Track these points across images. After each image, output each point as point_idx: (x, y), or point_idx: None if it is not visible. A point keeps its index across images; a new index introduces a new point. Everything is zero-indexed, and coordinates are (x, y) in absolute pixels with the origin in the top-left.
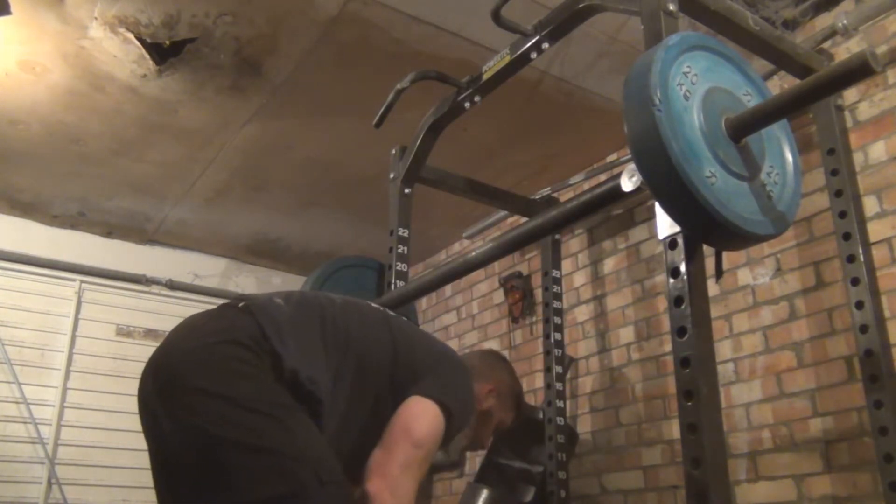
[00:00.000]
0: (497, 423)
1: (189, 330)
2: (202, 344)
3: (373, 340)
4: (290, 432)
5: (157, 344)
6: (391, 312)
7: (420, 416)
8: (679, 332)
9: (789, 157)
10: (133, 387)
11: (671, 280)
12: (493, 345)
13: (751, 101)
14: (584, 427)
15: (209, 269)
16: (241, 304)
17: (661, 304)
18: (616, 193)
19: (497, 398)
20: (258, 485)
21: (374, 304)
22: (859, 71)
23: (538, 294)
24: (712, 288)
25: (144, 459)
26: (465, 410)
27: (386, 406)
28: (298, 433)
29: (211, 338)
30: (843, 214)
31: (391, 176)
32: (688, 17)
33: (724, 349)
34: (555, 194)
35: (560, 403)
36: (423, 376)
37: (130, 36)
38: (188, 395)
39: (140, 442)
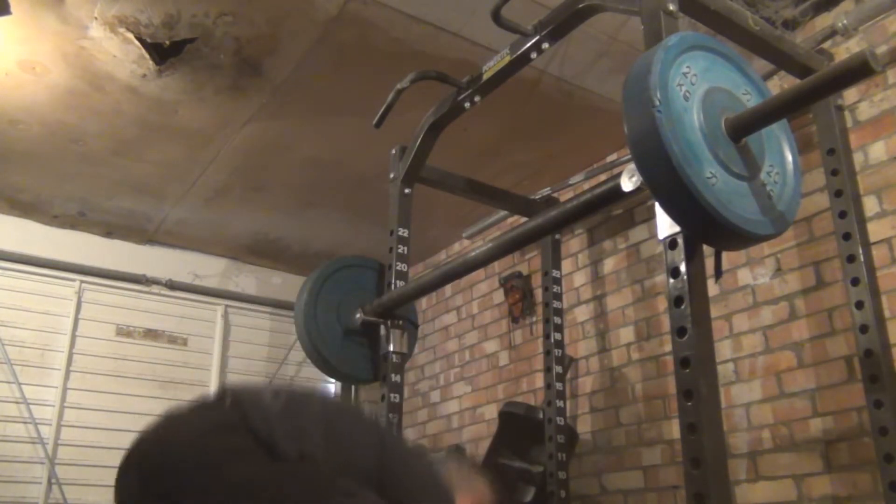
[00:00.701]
0: None
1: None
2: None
3: (358, 456)
4: None
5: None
6: (387, 429)
7: None
8: (679, 332)
9: (789, 157)
10: (133, 387)
11: (671, 280)
12: (493, 345)
13: (750, 101)
14: (584, 427)
15: (209, 269)
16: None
17: (661, 304)
18: (616, 193)
19: None
20: None
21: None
22: (859, 71)
23: (538, 294)
24: (712, 288)
25: None
26: None
27: None
28: None
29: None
30: (843, 214)
31: (391, 176)
32: (688, 17)
33: (724, 349)
34: (555, 194)
35: (560, 403)
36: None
37: (130, 36)
38: None
39: None
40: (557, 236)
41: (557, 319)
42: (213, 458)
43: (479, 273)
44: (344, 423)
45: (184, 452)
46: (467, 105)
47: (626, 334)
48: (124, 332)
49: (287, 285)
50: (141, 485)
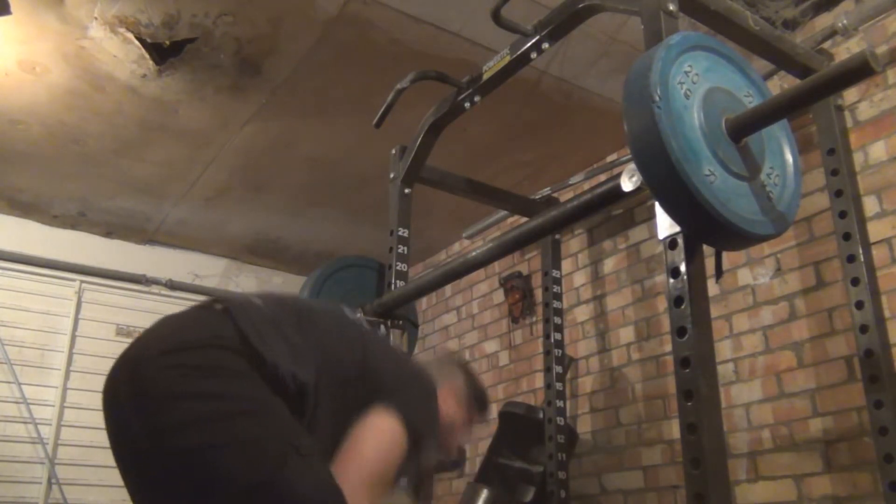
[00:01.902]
0: (459, 427)
1: (167, 330)
2: (181, 347)
3: (344, 349)
4: (266, 418)
5: None
6: (368, 328)
7: (378, 432)
8: (679, 332)
9: (789, 157)
10: None
11: (671, 280)
12: (493, 345)
13: (751, 101)
14: (584, 427)
15: (209, 269)
16: (218, 306)
17: (661, 304)
18: (616, 193)
19: (454, 401)
20: (241, 473)
21: (351, 316)
22: (859, 71)
23: (538, 294)
24: (712, 288)
25: None
26: (429, 432)
27: (347, 418)
28: (275, 417)
29: (190, 342)
30: (843, 214)
31: (391, 176)
32: (688, 17)
33: (724, 349)
34: (555, 194)
35: (560, 403)
36: (389, 392)
37: (130, 36)
38: (170, 401)
39: None
40: (557, 236)
41: (557, 319)
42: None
43: (479, 273)
44: (329, 323)
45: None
46: (467, 105)
47: (626, 334)
48: (124, 332)
49: (287, 285)
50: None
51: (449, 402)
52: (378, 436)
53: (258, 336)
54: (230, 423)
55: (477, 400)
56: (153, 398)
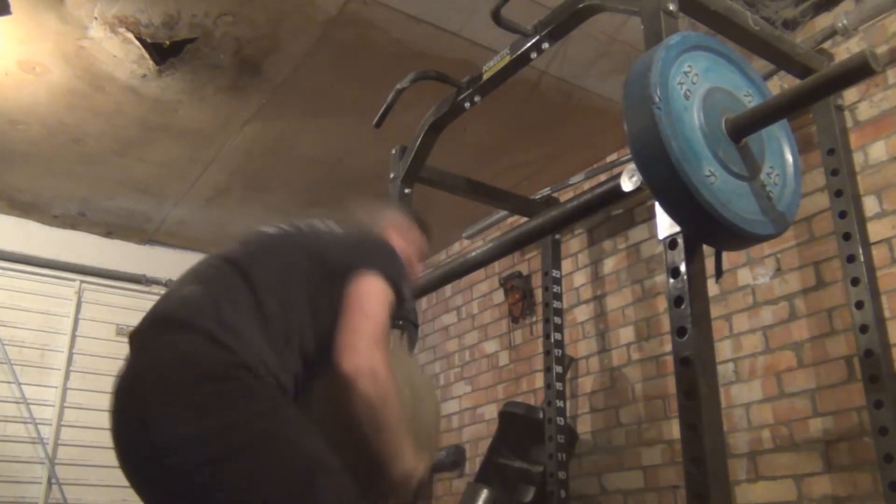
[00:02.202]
0: (413, 257)
1: (165, 357)
2: (181, 387)
3: (303, 278)
4: (286, 436)
5: None
6: (306, 227)
7: (368, 291)
8: (679, 332)
9: (789, 157)
10: None
11: (671, 280)
12: (493, 345)
13: (751, 101)
14: (584, 427)
15: None
16: (171, 322)
17: (661, 304)
18: (616, 193)
19: (399, 237)
20: (274, 500)
21: (284, 228)
22: (859, 71)
23: (538, 294)
24: (712, 288)
25: None
26: (402, 277)
27: (323, 296)
28: (292, 432)
29: (187, 381)
30: (843, 214)
31: (391, 176)
32: (688, 17)
33: (724, 349)
34: (555, 194)
35: (560, 403)
36: (358, 261)
37: (130, 36)
38: (188, 444)
39: None
40: (557, 236)
41: (557, 319)
42: None
43: (479, 273)
44: (283, 262)
45: None
46: (467, 105)
47: (626, 334)
48: (124, 332)
49: None
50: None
51: (397, 241)
52: (373, 294)
53: (242, 343)
54: (252, 455)
55: (418, 225)
56: (169, 449)
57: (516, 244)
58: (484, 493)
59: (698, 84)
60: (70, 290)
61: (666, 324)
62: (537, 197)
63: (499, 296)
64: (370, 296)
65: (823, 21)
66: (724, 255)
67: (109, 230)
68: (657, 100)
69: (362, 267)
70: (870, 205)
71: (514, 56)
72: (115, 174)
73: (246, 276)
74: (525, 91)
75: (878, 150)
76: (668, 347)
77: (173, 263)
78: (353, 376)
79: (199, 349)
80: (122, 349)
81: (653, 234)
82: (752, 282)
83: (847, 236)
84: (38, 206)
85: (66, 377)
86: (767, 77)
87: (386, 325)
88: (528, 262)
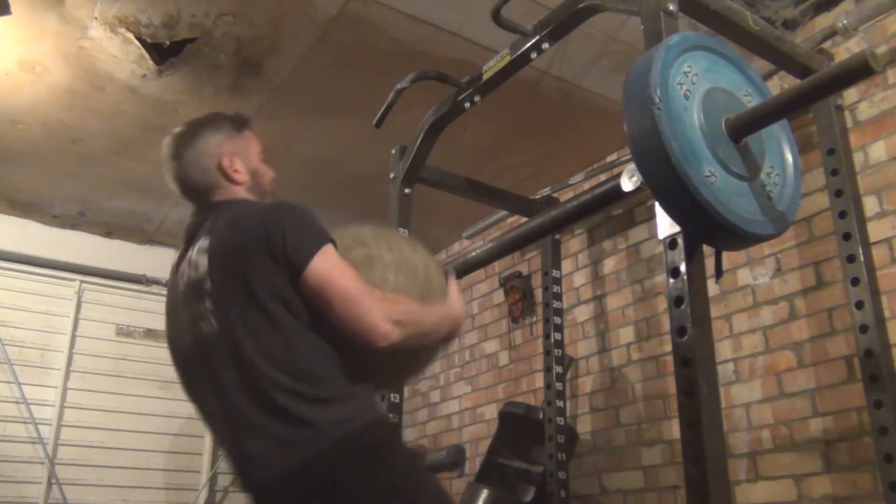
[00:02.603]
0: (257, 164)
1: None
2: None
3: (229, 293)
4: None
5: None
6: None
7: (330, 270)
8: (679, 332)
9: (789, 157)
10: (133, 387)
11: (671, 280)
12: (493, 345)
13: (751, 101)
14: (584, 427)
15: None
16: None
17: (661, 304)
18: (616, 193)
19: (240, 160)
20: None
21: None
22: (859, 71)
23: (538, 294)
24: (712, 288)
25: (144, 459)
26: (314, 225)
27: (286, 305)
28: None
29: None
30: (843, 214)
31: (391, 176)
32: (688, 17)
33: (724, 349)
34: (555, 194)
35: (560, 403)
36: (290, 250)
37: (130, 36)
38: None
39: (140, 442)
40: (557, 236)
41: (557, 319)
42: None
43: (479, 273)
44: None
45: None
46: (467, 105)
47: (626, 334)
48: (124, 332)
49: None
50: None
51: (239, 166)
52: (331, 276)
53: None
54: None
55: (236, 125)
56: None
57: (516, 244)
58: (484, 493)
59: (698, 84)
60: (70, 290)
61: (666, 324)
62: (537, 197)
63: (499, 296)
64: (332, 280)
65: (823, 21)
66: (724, 255)
67: (109, 230)
68: (657, 100)
69: (303, 255)
70: (870, 205)
71: (514, 56)
72: (114, 174)
73: (234, 357)
74: (525, 91)
75: (878, 150)
76: (668, 347)
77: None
78: (391, 344)
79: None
80: (122, 349)
81: (653, 234)
82: (752, 282)
83: (847, 236)
84: (38, 206)
85: (66, 377)
86: (767, 77)
87: (358, 281)
88: (528, 262)
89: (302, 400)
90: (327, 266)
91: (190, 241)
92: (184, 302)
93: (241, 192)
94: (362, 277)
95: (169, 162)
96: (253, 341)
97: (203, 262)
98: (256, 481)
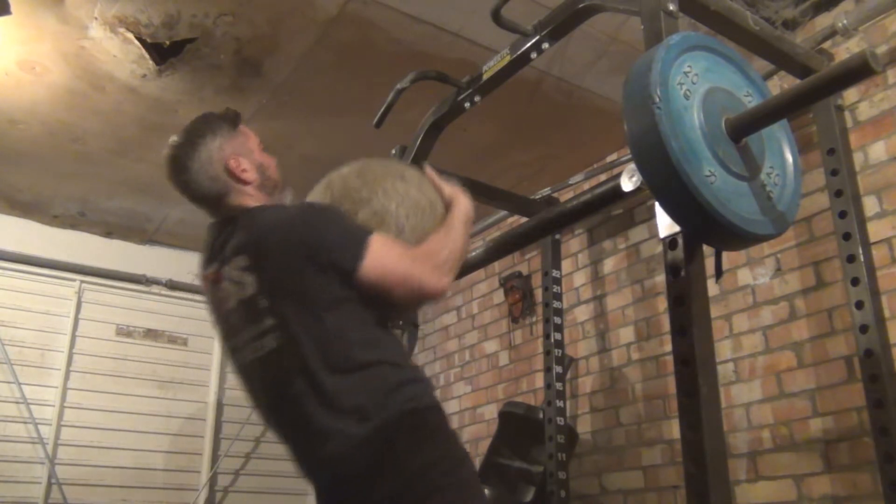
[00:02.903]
0: (260, 155)
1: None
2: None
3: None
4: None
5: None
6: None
7: (382, 261)
8: (679, 332)
9: (789, 157)
10: (133, 386)
11: (671, 280)
12: (493, 345)
13: (751, 101)
14: (584, 427)
15: None
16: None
17: (661, 304)
18: (616, 193)
19: (245, 159)
20: None
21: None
22: (859, 71)
23: (538, 294)
24: (712, 288)
25: (144, 459)
26: (342, 220)
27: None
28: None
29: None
30: (843, 214)
31: None
32: (688, 17)
33: (724, 349)
34: (555, 194)
35: (560, 403)
36: (336, 257)
37: (130, 36)
38: None
39: (140, 442)
40: (557, 236)
41: (557, 319)
42: None
43: (479, 273)
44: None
45: None
46: (467, 105)
47: (626, 334)
48: (124, 332)
49: None
50: None
51: (245, 165)
52: (382, 264)
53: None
54: None
55: (231, 122)
56: None
57: (516, 244)
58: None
59: (698, 84)
60: (70, 290)
61: (666, 324)
62: (537, 197)
63: (499, 296)
64: (387, 271)
65: (823, 21)
66: (724, 255)
67: (109, 230)
68: (657, 100)
69: (348, 268)
70: (870, 205)
71: (514, 56)
72: (114, 174)
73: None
74: (525, 91)
75: (878, 150)
76: (668, 347)
77: (173, 263)
78: (443, 292)
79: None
80: (122, 349)
81: (653, 234)
82: (752, 282)
83: (847, 236)
84: (38, 206)
85: (66, 377)
86: (767, 77)
87: (404, 256)
88: (528, 262)
89: (368, 397)
90: (378, 260)
91: (216, 255)
92: (238, 319)
93: (254, 193)
94: (404, 249)
95: (176, 177)
96: (317, 351)
97: (249, 280)
98: (335, 480)
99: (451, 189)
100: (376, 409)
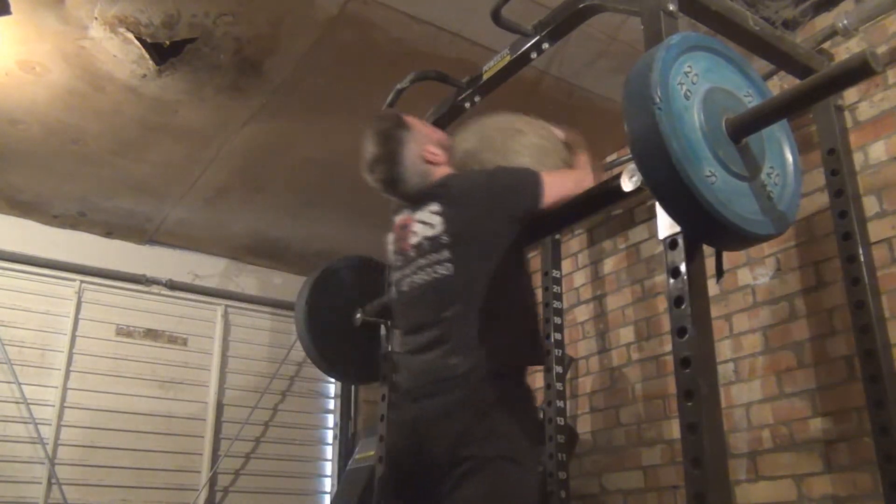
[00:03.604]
0: (435, 135)
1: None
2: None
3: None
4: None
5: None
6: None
7: (554, 191)
8: (679, 332)
9: (789, 157)
10: (133, 386)
11: (671, 280)
12: None
13: (751, 101)
14: (584, 427)
15: (209, 269)
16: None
17: (661, 304)
18: (616, 193)
19: (437, 145)
20: None
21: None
22: (859, 71)
23: (538, 294)
24: (712, 288)
25: (144, 459)
26: (521, 174)
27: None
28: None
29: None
30: (843, 214)
31: None
32: (688, 17)
33: (724, 349)
34: None
35: (560, 403)
36: (524, 205)
37: (130, 36)
38: None
39: (140, 442)
40: (557, 236)
41: (557, 319)
42: None
43: None
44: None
45: None
46: (467, 105)
47: (626, 334)
48: (124, 332)
49: (287, 285)
50: None
51: (434, 149)
52: (555, 188)
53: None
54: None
55: (404, 121)
56: None
57: None
58: None
59: (698, 84)
60: (70, 290)
61: (666, 324)
62: None
63: None
64: (561, 196)
65: (823, 21)
66: (724, 255)
67: (109, 230)
68: (657, 100)
69: (534, 206)
70: (870, 205)
71: (514, 56)
72: (114, 174)
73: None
74: (525, 91)
75: (878, 150)
76: (668, 347)
77: (173, 263)
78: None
79: None
80: (122, 349)
81: (653, 234)
82: (752, 282)
83: (847, 236)
84: (38, 206)
85: (66, 377)
86: (767, 77)
87: (566, 178)
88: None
89: (507, 322)
90: (552, 194)
91: (408, 206)
92: (418, 251)
93: (445, 170)
94: (562, 170)
95: (390, 188)
96: (484, 279)
97: (437, 221)
98: (437, 392)
99: (570, 135)
100: (497, 354)
